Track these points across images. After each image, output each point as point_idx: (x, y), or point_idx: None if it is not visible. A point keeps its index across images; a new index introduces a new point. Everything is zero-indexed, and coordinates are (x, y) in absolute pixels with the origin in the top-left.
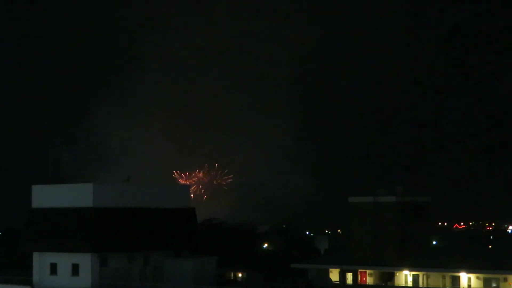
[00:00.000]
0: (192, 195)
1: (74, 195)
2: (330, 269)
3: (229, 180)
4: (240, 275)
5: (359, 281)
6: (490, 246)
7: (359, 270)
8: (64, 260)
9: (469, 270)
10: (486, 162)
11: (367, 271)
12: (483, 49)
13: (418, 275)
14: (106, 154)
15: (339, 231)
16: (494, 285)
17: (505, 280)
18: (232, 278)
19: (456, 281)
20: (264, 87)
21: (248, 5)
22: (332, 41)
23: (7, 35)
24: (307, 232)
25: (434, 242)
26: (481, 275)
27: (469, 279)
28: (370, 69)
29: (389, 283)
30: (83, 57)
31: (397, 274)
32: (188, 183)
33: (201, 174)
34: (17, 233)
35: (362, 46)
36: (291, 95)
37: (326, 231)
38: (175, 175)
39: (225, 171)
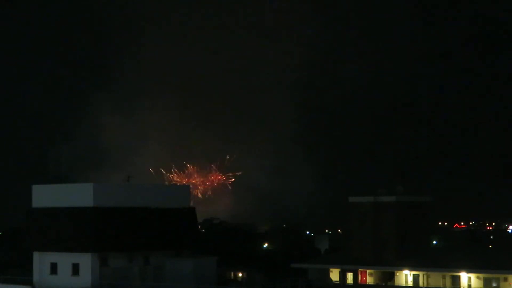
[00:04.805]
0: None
1: (74, 195)
2: (330, 269)
3: (230, 180)
4: (240, 275)
5: (359, 281)
6: (490, 246)
7: (359, 270)
8: (64, 260)
9: (469, 270)
10: (486, 162)
11: (367, 271)
12: (490, 51)
13: (418, 275)
14: (106, 154)
15: (339, 231)
16: (494, 285)
17: (505, 280)
18: (232, 278)
19: (456, 281)
20: (265, 86)
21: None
22: (335, 39)
23: (6, 34)
24: (307, 232)
25: (434, 242)
26: (481, 275)
27: (469, 279)
28: (369, 70)
29: (389, 283)
30: (82, 55)
31: (397, 274)
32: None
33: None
34: (17, 233)
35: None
36: (292, 96)
37: (326, 231)
38: (173, 175)
39: (226, 171)
